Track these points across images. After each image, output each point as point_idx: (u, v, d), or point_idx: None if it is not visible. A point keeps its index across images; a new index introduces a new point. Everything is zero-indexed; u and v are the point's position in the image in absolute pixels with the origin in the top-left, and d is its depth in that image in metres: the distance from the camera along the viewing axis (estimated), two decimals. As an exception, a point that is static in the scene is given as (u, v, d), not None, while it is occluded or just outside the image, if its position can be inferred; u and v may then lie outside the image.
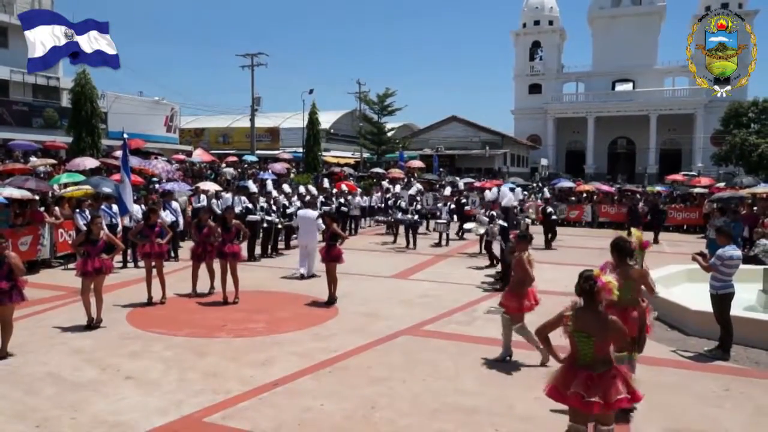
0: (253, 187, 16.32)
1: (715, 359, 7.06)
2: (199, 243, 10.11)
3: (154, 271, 9.54)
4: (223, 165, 29.25)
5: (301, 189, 17.53)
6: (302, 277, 11.78)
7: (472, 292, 10.85)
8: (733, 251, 7.24)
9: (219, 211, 14.23)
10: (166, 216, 13.04)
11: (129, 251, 13.03)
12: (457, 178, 32.72)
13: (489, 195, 15.13)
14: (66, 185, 15.07)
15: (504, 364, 6.82)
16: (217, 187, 18.90)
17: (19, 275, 6.77)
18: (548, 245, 17.10)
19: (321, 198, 18.06)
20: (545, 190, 22.71)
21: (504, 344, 6.97)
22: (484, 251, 14.17)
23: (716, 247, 7.56)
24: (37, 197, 13.03)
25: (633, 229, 6.07)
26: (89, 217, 10.07)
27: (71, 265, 11.60)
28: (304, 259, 12.00)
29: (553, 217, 17.89)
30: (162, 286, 9.60)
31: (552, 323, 4.23)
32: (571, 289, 4.35)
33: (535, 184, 34.53)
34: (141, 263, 13.09)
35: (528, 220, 16.05)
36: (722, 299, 7.19)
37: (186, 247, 14.96)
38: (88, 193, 13.78)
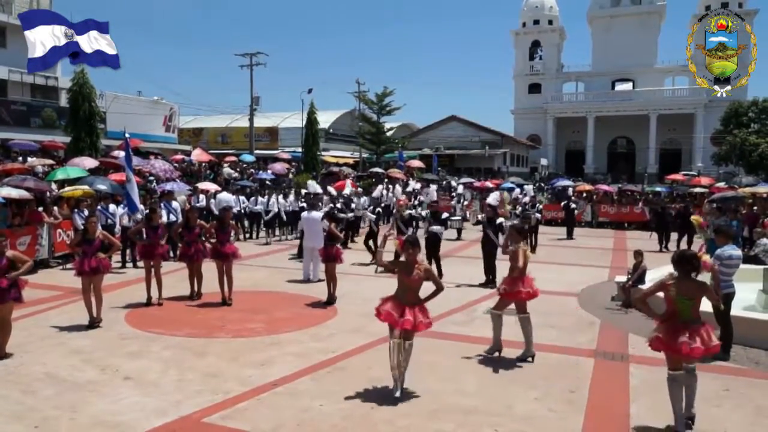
0: (316, 188, 17.24)
1: (715, 359, 7.04)
2: (190, 243, 9.88)
3: (153, 271, 9.52)
4: (225, 165, 29.22)
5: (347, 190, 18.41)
6: (308, 281, 11.60)
7: (471, 292, 10.83)
8: (733, 251, 7.19)
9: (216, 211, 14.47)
10: (163, 216, 13.01)
11: (128, 251, 13.02)
12: (455, 180, 32.86)
13: (375, 193, 19.52)
14: (64, 184, 15.04)
15: (504, 364, 6.81)
16: (217, 187, 18.91)
17: (26, 265, 6.82)
18: (570, 236, 19.66)
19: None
20: (569, 189, 25.02)
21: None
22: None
23: (716, 247, 7.54)
24: (32, 197, 12.97)
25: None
26: (87, 217, 10.05)
27: (69, 265, 11.57)
28: (308, 262, 11.76)
29: (576, 212, 21.24)
30: (159, 287, 9.54)
31: (653, 290, 5.43)
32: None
33: (540, 184, 34.74)
34: (140, 263, 13.11)
35: (538, 215, 17.64)
36: (722, 299, 7.17)
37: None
38: (87, 193, 13.76)
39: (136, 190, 12.48)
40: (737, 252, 7.32)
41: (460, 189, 26.46)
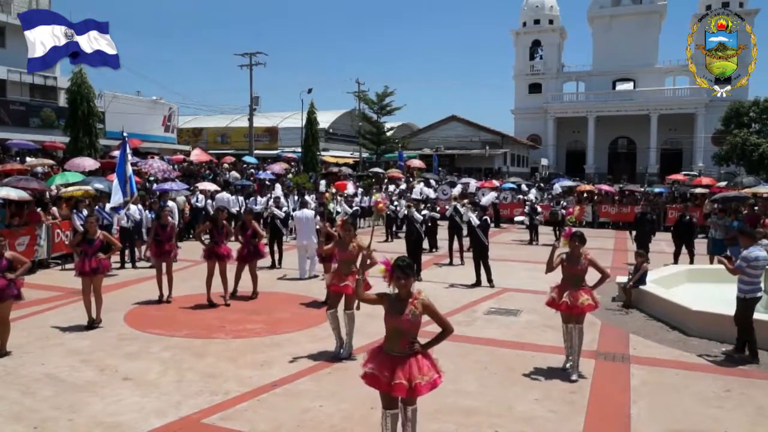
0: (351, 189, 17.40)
1: (746, 363, 6.89)
2: (245, 245, 9.98)
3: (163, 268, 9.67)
4: (225, 166, 29.20)
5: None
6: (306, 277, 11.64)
7: (471, 292, 10.81)
8: (759, 252, 6.96)
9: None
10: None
11: (127, 252, 13.01)
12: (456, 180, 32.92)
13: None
14: (62, 185, 15.01)
15: (504, 365, 6.79)
16: (216, 188, 18.89)
17: (25, 266, 6.84)
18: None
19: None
20: (559, 189, 26.78)
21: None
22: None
23: (718, 247, 7.50)
24: (31, 197, 12.94)
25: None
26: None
27: (69, 266, 11.56)
28: (303, 261, 11.85)
29: (564, 210, 22.79)
30: (170, 285, 9.72)
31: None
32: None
33: (540, 185, 35.00)
34: (139, 264, 13.10)
35: (563, 211, 18.95)
36: (749, 303, 6.97)
37: (185, 248, 14.95)
38: (87, 194, 13.73)
39: (119, 190, 12.30)
40: (764, 253, 7.03)
41: (473, 188, 26.81)
